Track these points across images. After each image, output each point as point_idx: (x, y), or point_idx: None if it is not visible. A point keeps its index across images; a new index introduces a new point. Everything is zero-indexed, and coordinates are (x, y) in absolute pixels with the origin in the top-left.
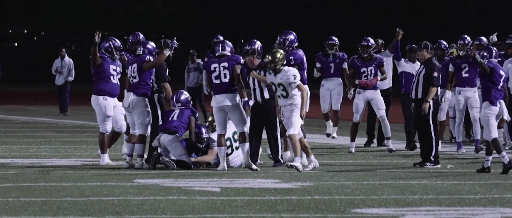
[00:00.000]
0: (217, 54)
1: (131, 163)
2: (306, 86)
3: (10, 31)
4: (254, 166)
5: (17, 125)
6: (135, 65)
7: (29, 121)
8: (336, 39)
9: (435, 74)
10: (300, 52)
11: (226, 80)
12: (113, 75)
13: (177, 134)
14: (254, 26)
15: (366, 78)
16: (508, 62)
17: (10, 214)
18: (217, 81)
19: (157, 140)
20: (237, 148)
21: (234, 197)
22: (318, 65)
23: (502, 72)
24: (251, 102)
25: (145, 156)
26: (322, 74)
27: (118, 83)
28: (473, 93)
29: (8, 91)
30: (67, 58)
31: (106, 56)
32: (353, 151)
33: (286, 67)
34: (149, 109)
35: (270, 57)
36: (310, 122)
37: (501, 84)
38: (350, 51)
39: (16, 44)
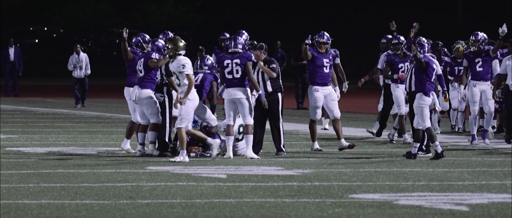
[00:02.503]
0: (229, 50)
1: (143, 151)
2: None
3: (31, 28)
4: (255, 156)
5: (37, 115)
6: (142, 60)
7: (49, 112)
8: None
9: None
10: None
11: (238, 75)
12: (140, 70)
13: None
14: (258, 24)
15: (403, 73)
16: (506, 60)
17: (31, 198)
18: (230, 76)
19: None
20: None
21: (239, 183)
22: None
23: (435, 66)
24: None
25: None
26: None
27: None
28: (487, 87)
29: (29, 84)
30: (82, 53)
31: (138, 51)
32: (410, 140)
33: (180, 57)
34: (155, 99)
35: (171, 45)
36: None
37: (433, 77)
38: (348, 47)
39: (36, 40)
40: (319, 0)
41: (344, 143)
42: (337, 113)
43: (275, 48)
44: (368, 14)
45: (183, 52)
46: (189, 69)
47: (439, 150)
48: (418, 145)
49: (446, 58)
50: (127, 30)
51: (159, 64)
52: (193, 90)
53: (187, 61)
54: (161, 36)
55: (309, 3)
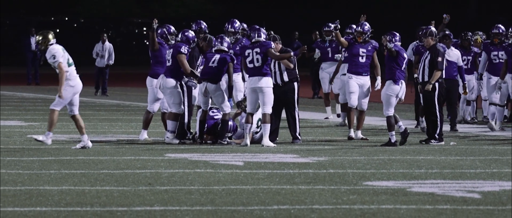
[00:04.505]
0: (253, 40)
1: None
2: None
3: (52, 18)
4: (271, 144)
5: None
6: (171, 50)
7: None
8: (332, 26)
9: (439, 59)
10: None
11: (259, 64)
12: (168, 60)
13: (220, 83)
14: (275, 14)
15: None
16: None
17: (52, 184)
18: (251, 65)
19: (204, 86)
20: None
21: (256, 171)
22: (317, 50)
23: (405, 55)
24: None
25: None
26: (321, 59)
27: None
28: None
29: (49, 73)
30: (107, 43)
31: (163, 42)
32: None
33: (50, 47)
34: (179, 90)
35: (41, 38)
36: (321, 102)
37: (404, 66)
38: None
39: (57, 30)
40: None
41: (359, 135)
42: (365, 105)
43: (293, 38)
44: (382, 6)
45: (53, 41)
46: (59, 58)
47: (393, 139)
48: (393, 133)
49: (475, 49)
50: (156, 21)
51: (185, 66)
52: (75, 77)
53: (56, 50)
54: (193, 26)
55: None
